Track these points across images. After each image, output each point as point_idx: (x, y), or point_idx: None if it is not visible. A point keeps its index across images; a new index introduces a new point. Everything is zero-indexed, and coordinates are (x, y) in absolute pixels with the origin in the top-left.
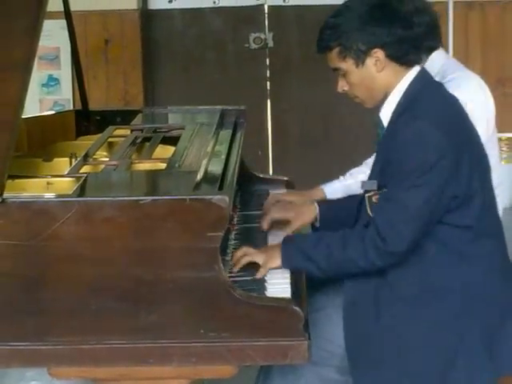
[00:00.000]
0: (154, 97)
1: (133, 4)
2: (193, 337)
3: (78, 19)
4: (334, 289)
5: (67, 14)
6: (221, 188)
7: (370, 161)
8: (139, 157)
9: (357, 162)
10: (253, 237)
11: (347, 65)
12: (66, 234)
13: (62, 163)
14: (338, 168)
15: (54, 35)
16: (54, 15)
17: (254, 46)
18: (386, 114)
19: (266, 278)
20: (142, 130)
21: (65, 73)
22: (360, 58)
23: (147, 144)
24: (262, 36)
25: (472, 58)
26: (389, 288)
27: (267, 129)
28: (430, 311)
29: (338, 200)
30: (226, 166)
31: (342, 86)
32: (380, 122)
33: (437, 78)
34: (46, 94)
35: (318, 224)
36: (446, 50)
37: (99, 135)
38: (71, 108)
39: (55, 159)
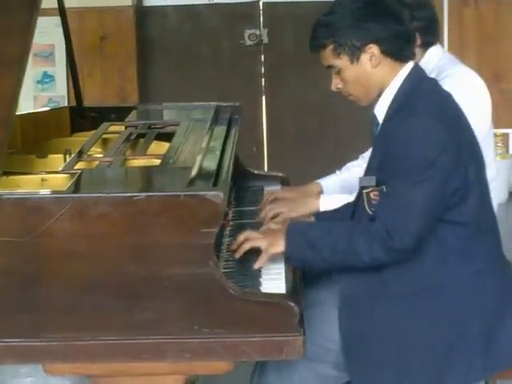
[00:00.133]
0: (148, 93)
1: (128, 1)
2: (187, 333)
3: (73, 16)
4: (330, 284)
5: (61, 11)
6: (215, 184)
7: (367, 154)
8: (133, 153)
9: (352, 158)
10: None
11: (342, 62)
12: (60, 230)
13: (57, 160)
14: (333, 164)
15: (48, 32)
16: (48, 12)
17: (248, 42)
18: (380, 111)
19: (260, 273)
20: (136, 127)
21: (59, 70)
22: (355, 55)
23: (142, 140)
24: (257, 32)
25: (467, 54)
26: (385, 285)
27: (262, 125)
28: (426, 308)
29: (335, 210)
30: (221, 163)
31: (336, 83)
32: (375, 118)
33: (433, 74)
34: (41, 90)
35: None
36: (442, 46)
37: (94, 132)
38: (66, 105)
39: (49, 156)
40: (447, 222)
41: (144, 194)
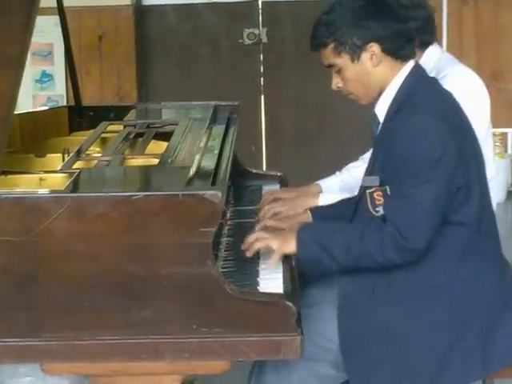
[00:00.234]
0: (147, 92)
1: (127, 0)
2: (186, 332)
3: (72, 15)
4: (328, 284)
5: (60, 10)
6: (213, 183)
7: (367, 156)
8: (132, 152)
9: (351, 158)
10: (246, 232)
11: (343, 60)
12: (58, 229)
13: (55, 159)
14: (331, 163)
15: (47, 31)
16: (47, 11)
17: (247, 41)
18: (381, 110)
19: (258, 273)
20: (135, 126)
21: (58, 69)
22: (356, 53)
23: (140, 139)
24: (256, 32)
25: (466, 53)
26: (386, 285)
27: (261, 124)
28: (427, 309)
29: (331, 206)
30: (219, 162)
31: (337, 82)
32: (375, 117)
33: (432, 74)
34: (40, 89)
35: None
36: (440, 45)
37: (92, 131)
38: (65, 104)
39: (48, 155)
40: (450, 223)
41: (142, 194)
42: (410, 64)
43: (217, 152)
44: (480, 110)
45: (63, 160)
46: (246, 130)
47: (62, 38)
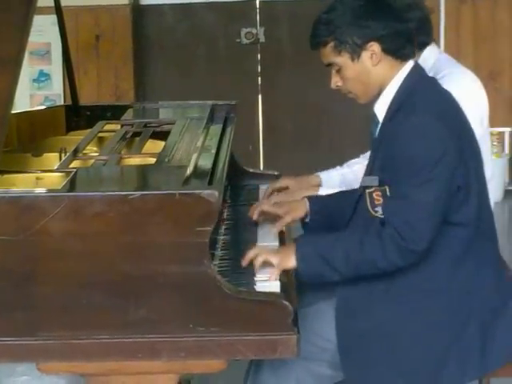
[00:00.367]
0: (145, 92)
1: None
2: (182, 331)
3: (69, 15)
4: (325, 284)
5: (58, 10)
6: (210, 183)
7: (368, 154)
8: (129, 152)
9: (348, 157)
10: (242, 231)
11: (343, 59)
12: (55, 229)
13: (52, 158)
14: (329, 163)
15: (45, 31)
16: (44, 10)
17: (245, 41)
18: (381, 109)
19: (255, 272)
20: (132, 125)
21: (56, 68)
22: (356, 52)
23: (137, 139)
24: (254, 31)
25: (463, 52)
26: (384, 286)
27: (258, 124)
28: (425, 308)
29: (329, 196)
30: (216, 161)
31: (336, 81)
32: (375, 117)
33: (431, 74)
34: (37, 89)
35: (308, 219)
36: (438, 45)
37: (89, 130)
38: (62, 103)
39: (45, 154)
40: (450, 224)
41: (139, 193)
42: (410, 64)
43: (214, 151)
44: (478, 110)
45: (60, 159)
46: (243, 129)
47: (59, 37)
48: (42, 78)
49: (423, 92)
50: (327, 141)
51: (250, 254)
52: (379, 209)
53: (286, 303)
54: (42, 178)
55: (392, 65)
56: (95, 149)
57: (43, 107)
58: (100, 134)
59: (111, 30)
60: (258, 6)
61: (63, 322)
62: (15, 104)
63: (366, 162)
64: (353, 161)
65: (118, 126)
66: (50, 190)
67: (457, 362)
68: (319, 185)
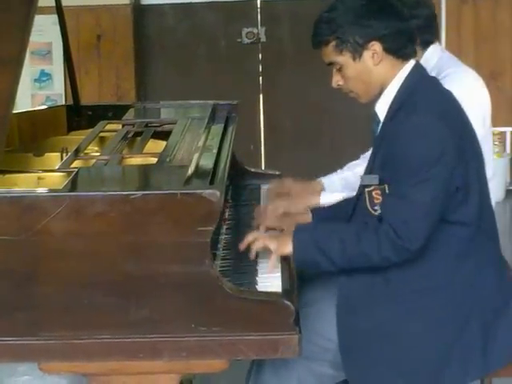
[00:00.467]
0: (146, 92)
1: None
2: (184, 331)
3: (70, 14)
4: (326, 283)
5: (59, 9)
6: (212, 182)
7: (368, 154)
8: (130, 151)
9: (349, 156)
10: (244, 231)
11: (344, 58)
12: (56, 228)
13: (53, 158)
14: (330, 162)
15: (46, 30)
16: (45, 10)
17: (246, 40)
18: (382, 108)
19: (257, 272)
20: (133, 125)
21: (57, 68)
22: (357, 51)
23: (138, 139)
24: (255, 31)
25: (465, 52)
26: (385, 284)
27: (259, 123)
28: (426, 308)
29: (332, 206)
30: (218, 161)
31: (337, 80)
32: (376, 116)
33: (433, 73)
34: (38, 89)
35: None
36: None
37: (90, 130)
38: (63, 103)
39: (46, 154)
40: (449, 223)
41: (141, 193)
42: (411, 63)
43: (215, 151)
44: (480, 109)
45: (61, 159)
46: (244, 128)
47: (60, 37)
48: (44, 77)
49: (424, 91)
50: (328, 140)
51: (249, 238)
52: (378, 207)
53: (288, 303)
54: (44, 178)
55: (393, 64)
56: (96, 149)
57: (44, 107)
58: (101, 134)
59: (112, 30)
60: (258, 6)
61: (65, 321)
62: (16, 104)
63: (366, 164)
64: (353, 163)
65: (120, 126)
66: (51, 190)
67: (458, 362)
68: (321, 190)
